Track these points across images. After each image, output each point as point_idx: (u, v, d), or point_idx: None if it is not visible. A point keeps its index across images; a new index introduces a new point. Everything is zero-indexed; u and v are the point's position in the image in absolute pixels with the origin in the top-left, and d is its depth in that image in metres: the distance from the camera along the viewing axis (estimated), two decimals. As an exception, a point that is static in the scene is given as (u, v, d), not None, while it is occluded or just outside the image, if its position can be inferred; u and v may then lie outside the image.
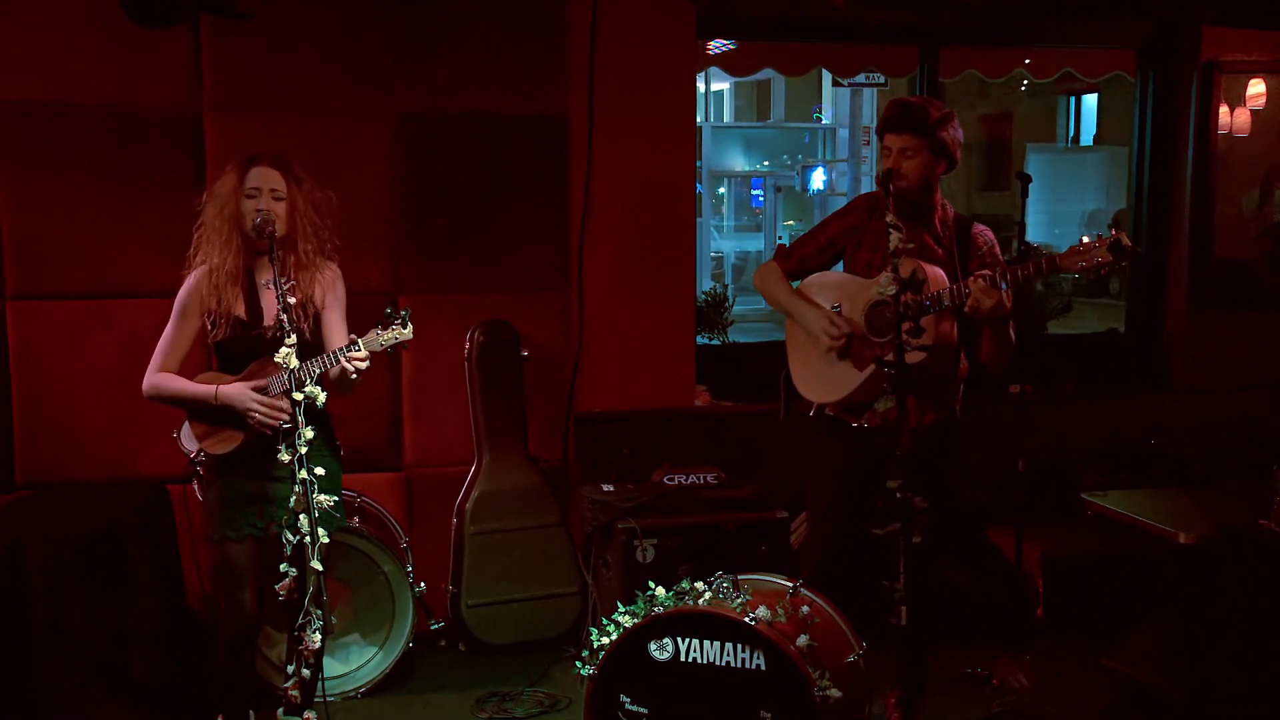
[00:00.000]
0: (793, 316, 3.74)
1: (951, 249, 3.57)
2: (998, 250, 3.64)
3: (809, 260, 3.80)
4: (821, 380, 3.68)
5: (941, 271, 3.49)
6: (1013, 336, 3.55)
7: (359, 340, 3.14)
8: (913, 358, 3.13)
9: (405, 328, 3.17)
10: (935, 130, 3.48)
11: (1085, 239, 3.21)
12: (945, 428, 3.65)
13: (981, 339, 3.55)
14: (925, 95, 5.48)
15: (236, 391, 3.25)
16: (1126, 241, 3.14)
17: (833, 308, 3.64)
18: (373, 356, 3.20)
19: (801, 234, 3.98)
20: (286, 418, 3.16)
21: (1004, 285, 3.31)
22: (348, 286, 3.55)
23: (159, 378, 3.36)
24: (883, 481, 3.04)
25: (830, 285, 3.72)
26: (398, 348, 3.22)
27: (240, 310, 3.34)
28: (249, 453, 3.31)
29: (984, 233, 3.64)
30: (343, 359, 3.13)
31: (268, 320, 3.35)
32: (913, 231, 3.50)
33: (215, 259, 3.33)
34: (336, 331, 3.38)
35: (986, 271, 3.34)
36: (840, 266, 3.80)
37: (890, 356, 3.05)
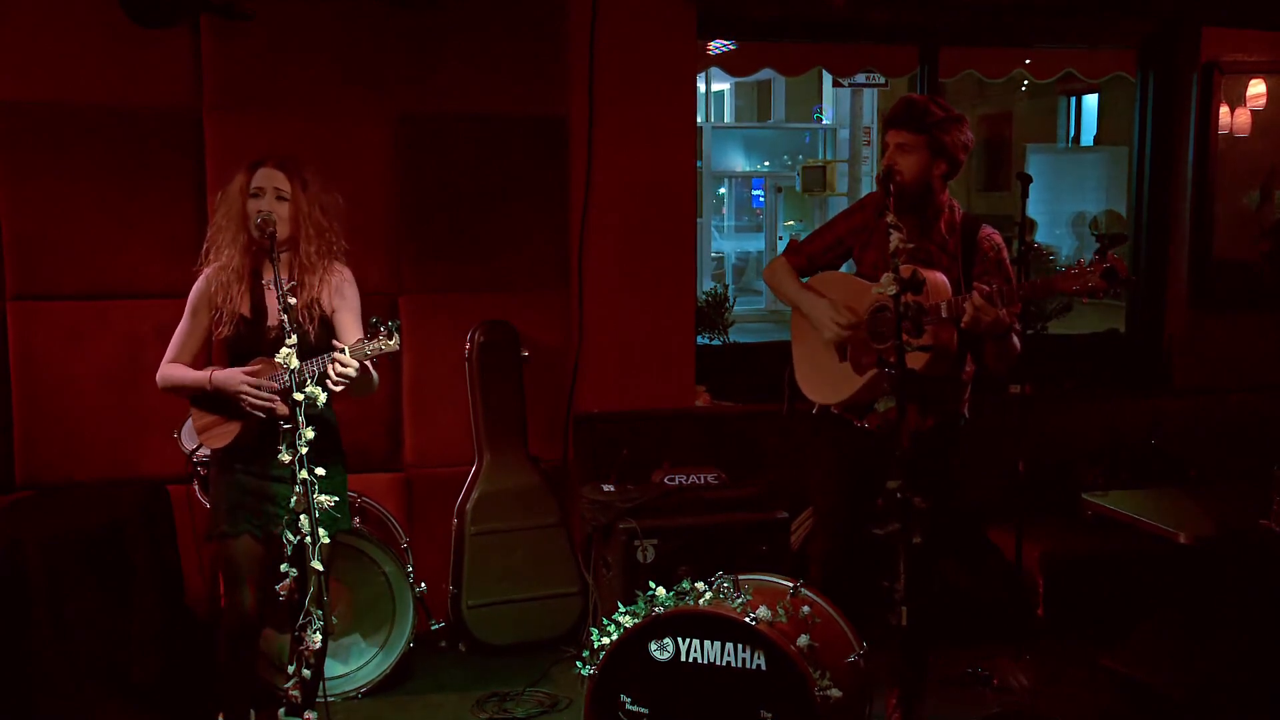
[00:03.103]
0: (800, 308, 3.74)
1: (956, 254, 3.55)
2: (1005, 254, 3.58)
3: (817, 257, 3.79)
4: (824, 381, 3.68)
5: (943, 277, 3.46)
6: (1016, 343, 3.52)
7: (346, 349, 3.14)
8: (913, 360, 3.12)
9: (391, 339, 3.14)
10: (933, 129, 3.45)
11: (1082, 260, 3.18)
12: (947, 431, 3.65)
13: (984, 347, 3.54)
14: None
15: (228, 375, 3.29)
16: (1122, 271, 3.10)
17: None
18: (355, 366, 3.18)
19: (809, 231, 3.97)
20: (276, 402, 3.22)
21: (1001, 304, 3.28)
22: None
23: (167, 368, 3.42)
24: (882, 483, 3.03)
25: (834, 286, 3.71)
26: (384, 357, 3.20)
27: (244, 309, 3.36)
28: (248, 447, 3.33)
29: (990, 236, 3.58)
30: (329, 366, 3.12)
31: (271, 320, 3.37)
32: (916, 234, 3.48)
33: (224, 258, 3.37)
34: (349, 334, 3.38)
35: (985, 287, 3.30)
36: (849, 265, 3.80)
37: (892, 358, 3.04)
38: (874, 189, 3.62)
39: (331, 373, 3.11)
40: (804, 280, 3.79)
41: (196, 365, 3.43)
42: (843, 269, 3.84)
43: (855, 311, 3.57)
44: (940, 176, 3.52)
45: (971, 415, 3.71)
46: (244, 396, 3.25)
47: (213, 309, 3.38)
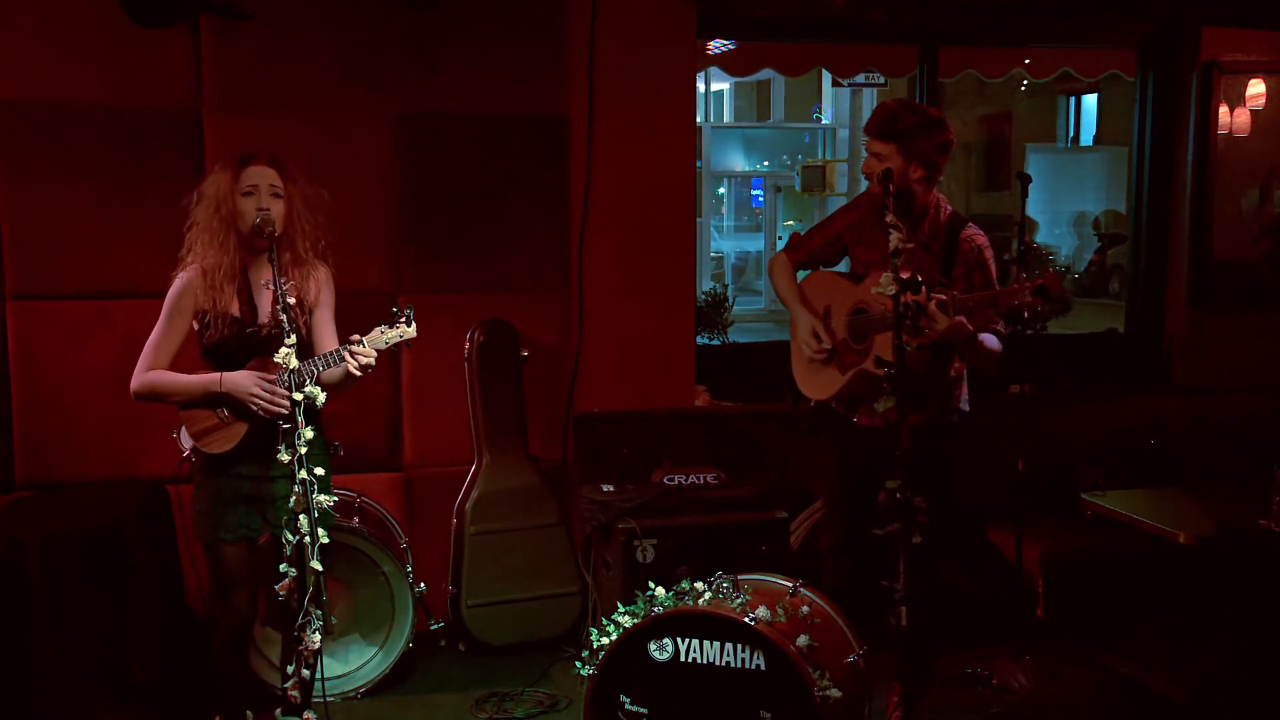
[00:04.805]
0: (790, 313, 3.79)
1: (937, 255, 3.56)
2: (987, 255, 3.58)
3: (815, 254, 3.82)
4: (812, 377, 3.74)
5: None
6: (992, 346, 3.47)
7: (364, 339, 3.14)
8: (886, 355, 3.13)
9: (410, 326, 3.17)
10: (901, 136, 3.47)
11: (1024, 275, 3.14)
12: (940, 428, 3.65)
13: (959, 349, 3.53)
14: (923, 96, 5.48)
15: (241, 377, 3.24)
16: (1054, 289, 3.07)
17: (824, 310, 3.67)
18: (376, 355, 3.20)
19: (809, 228, 4.01)
20: (288, 405, 3.13)
21: (953, 312, 3.25)
22: (347, 287, 3.55)
23: (152, 375, 3.32)
24: (881, 480, 3.04)
25: (823, 286, 3.75)
26: (400, 346, 3.22)
27: (236, 310, 3.33)
28: (245, 452, 3.30)
29: (972, 238, 3.57)
30: (348, 358, 3.12)
31: (262, 319, 3.34)
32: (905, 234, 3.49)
33: (210, 259, 3.31)
34: (326, 331, 3.38)
35: (941, 296, 3.29)
36: (846, 261, 3.82)
37: (884, 356, 3.05)
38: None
39: (352, 365, 3.11)
40: (801, 277, 3.82)
41: (175, 370, 3.35)
42: (843, 266, 3.86)
43: (833, 334, 3.61)
44: (917, 180, 3.52)
45: (971, 411, 3.71)
46: (256, 400, 3.22)
47: (197, 311, 3.32)
